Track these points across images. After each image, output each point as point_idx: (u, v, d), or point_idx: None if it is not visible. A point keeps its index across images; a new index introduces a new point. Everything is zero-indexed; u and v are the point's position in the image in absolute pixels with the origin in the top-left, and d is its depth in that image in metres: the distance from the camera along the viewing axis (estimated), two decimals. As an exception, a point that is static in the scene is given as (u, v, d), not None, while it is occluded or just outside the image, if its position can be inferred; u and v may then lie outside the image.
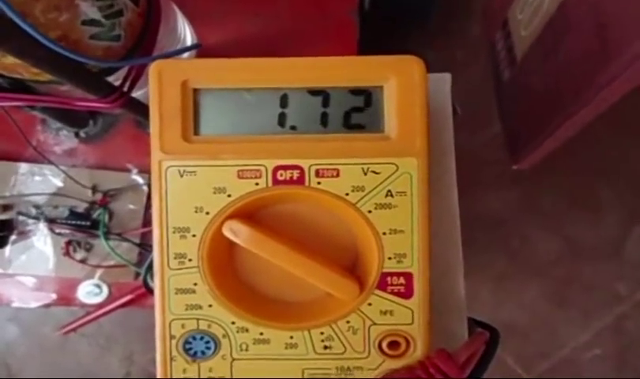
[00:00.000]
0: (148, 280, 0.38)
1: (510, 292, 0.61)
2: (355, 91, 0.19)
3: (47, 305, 0.41)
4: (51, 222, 0.39)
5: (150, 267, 0.37)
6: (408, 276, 0.19)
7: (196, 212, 0.19)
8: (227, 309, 0.19)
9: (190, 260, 0.19)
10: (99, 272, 0.40)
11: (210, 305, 0.19)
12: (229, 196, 0.19)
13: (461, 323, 0.22)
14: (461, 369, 0.17)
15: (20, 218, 0.39)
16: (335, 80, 0.19)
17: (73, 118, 0.36)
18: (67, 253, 0.39)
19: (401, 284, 0.19)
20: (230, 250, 0.20)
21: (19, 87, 0.28)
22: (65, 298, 0.41)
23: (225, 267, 0.20)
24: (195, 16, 0.38)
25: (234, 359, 0.20)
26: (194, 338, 0.19)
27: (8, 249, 0.39)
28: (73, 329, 0.44)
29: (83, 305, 0.41)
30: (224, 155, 0.19)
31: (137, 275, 0.39)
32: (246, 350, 0.19)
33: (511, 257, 0.62)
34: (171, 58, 0.19)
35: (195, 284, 0.19)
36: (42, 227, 0.39)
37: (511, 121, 0.59)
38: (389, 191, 0.19)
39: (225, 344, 0.19)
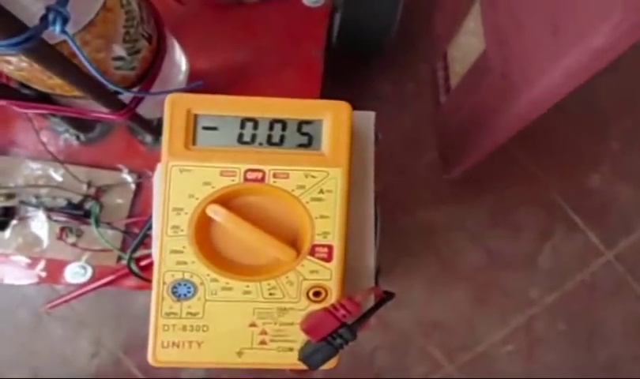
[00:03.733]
0: (131, 263, 0.44)
1: (439, 293, 0.70)
2: (304, 122, 0.27)
3: (37, 283, 0.45)
4: (50, 210, 0.43)
5: (133, 251, 0.42)
6: (330, 247, 0.27)
7: (189, 197, 0.26)
8: (204, 265, 0.26)
9: (182, 230, 0.27)
10: (86, 255, 0.44)
11: (193, 262, 0.26)
12: (213, 187, 0.26)
13: (370, 285, 0.31)
14: (357, 306, 0.26)
15: (23, 206, 0.44)
16: (291, 114, 0.27)
17: (82, 125, 0.43)
18: (60, 237, 0.44)
19: (325, 252, 0.27)
20: (210, 225, 0.27)
21: (44, 98, 0.34)
22: (53, 277, 0.45)
23: (206, 236, 0.27)
24: (190, 46, 0.45)
25: (206, 300, 0.27)
26: (180, 284, 0.27)
27: (8, 231, 0.44)
28: (58, 305, 0.48)
29: (68, 285, 0.45)
30: (212, 160, 0.27)
31: (119, 259, 0.44)
32: (216, 294, 0.26)
33: (442, 263, 0.70)
34: (179, 92, 0.27)
35: (184, 247, 0.26)
36: (40, 214, 0.44)
37: (444, 139, 0.69)
38: (321, 189, 0.27)
39: (201, 290, 0.26)
